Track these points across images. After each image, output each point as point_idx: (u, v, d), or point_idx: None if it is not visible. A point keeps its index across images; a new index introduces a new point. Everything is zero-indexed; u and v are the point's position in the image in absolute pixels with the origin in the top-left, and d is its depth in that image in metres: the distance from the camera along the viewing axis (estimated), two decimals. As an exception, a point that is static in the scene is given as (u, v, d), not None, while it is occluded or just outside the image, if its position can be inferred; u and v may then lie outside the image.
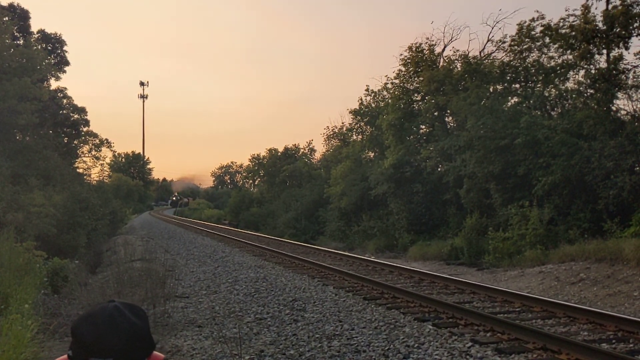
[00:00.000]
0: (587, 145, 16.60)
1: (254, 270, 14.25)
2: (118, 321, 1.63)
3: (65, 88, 31.60)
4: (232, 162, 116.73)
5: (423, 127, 27.01)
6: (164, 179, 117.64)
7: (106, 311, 1.66)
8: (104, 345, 1.60)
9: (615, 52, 17.38)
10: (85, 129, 32.72)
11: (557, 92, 20.64)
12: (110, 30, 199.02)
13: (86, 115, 31.93)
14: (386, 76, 51.91)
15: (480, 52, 25.50)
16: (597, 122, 16.73)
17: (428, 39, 30.75)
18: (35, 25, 40.64)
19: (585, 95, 18.75)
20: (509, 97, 22.51)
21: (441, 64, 25.88)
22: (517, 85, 22.53)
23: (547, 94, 20.92)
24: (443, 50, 26.68)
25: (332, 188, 32.20)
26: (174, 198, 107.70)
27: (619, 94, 17.32)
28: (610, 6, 17.33)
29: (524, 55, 21.67)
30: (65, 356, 1.69)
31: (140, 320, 1.69)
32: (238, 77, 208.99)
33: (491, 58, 24.52)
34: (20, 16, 26.72)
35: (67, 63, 30.56)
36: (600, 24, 17.47)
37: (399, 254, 22.66)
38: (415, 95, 26.66)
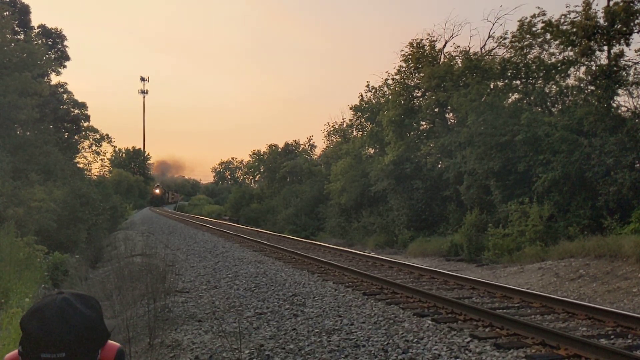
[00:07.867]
0: (588, 141, 16.60)
1: (254, 266, 14.26)
2: (68, 315, 1.56)
3: (66, 83, 31.78)
4: (232, 158, 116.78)
5: (423, 123, 26.96)
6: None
7: (55, 305, 1.58)
8: (54, 340, 1.53)
9: (616, 49, 17.37)
10: (85, 124, 32.85)
11: (557, 89, 20.63)
12: (110, 25, 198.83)
13: (87, 111, 32.07)
14: (387, 72, 51.88)
15: (481, 49, 25.50)
16: (598, 119, 16.73)
17: (429, 34, 30.66)
18: (35, 20, 40.57)
19: (586, 91, 18.73)
20: (510, 94, 22.49)
21: (442, 60, 25.85)
22: (518, 82, 22.50)
23: (547, 91, 20.90)
24: (444, 46, 26.66)
25: (332, 184, 32.20)
26: (158, 191, 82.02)
27: (620, 91, 17.32)
28: (611, 2, 17.31)
29: (524, 51, 21.63)
30: (16, 351, 1.62)
31: (92, 311, 1.62)
32: (239, 73, 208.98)
33: (492, 54, 24.50)
34: (21, 11, 26.70)
35: (67, 58, 30.60)
36: (601, 21, 17.46)
37: (398, 250, 22.68)
38: (416, 91, 26.61)
